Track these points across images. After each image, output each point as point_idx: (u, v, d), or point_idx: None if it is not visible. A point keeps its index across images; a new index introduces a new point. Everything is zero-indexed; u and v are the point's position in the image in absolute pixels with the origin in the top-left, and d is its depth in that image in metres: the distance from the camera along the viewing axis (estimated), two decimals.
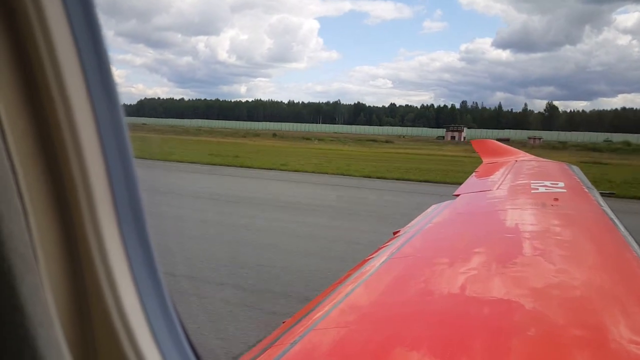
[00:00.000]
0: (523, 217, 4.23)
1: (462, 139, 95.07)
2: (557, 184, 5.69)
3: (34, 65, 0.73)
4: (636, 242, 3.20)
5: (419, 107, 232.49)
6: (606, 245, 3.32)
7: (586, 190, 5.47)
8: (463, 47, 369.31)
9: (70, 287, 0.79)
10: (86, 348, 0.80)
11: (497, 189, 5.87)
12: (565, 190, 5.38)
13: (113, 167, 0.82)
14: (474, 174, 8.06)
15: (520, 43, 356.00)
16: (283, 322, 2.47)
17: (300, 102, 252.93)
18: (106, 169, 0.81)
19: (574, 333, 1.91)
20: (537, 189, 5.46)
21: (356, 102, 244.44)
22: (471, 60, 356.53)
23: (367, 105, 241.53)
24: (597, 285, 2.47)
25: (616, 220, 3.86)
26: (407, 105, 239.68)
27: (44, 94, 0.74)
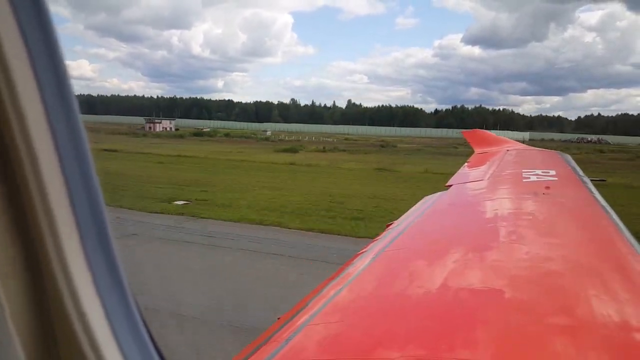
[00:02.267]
0: (515, 206, 4.24)
1: (164, 129, 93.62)
2: (548, 172, 5.72)
3: None
4: (627, 228, 3.22)
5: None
6: (597, 232, 3.33)
7: (577, 178, 5.49)
8: (436, 43, 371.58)
9: (29, 301, 0.76)
10: (48, 355, 0.78)
11: (489, 178, 5.90)
12: (556, 179, 5.41)
13: (69, 167, 0.78)
14: (466, 164, 8.07)
15: (489, 40, 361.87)
16: (278, 318, 2.46)
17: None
18: (62, 169, 0.77)
19: (567, 320, 1.91)
20: (529, 177, 5.49)
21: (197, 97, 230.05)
22: (444, 56, 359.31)
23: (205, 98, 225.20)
24: (589, 273, 2.47)
25: (607, 207, 3.88)
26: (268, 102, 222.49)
27: None
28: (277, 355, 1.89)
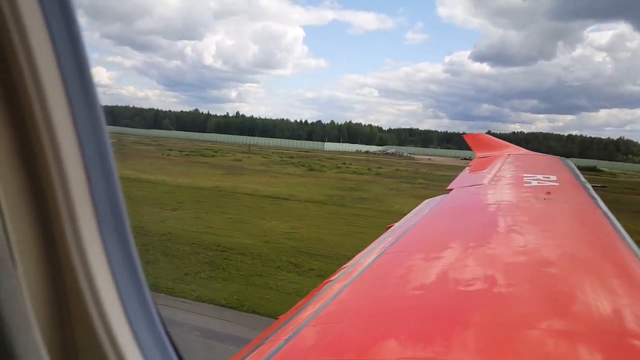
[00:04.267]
0: (516, 211, 4.24)
1: None
2: (549, 178, 5.72)
3: (11, 67, 0.70)
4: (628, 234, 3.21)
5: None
6: (599, 237, 3.33)
7: (578, 183, 5.50)
8: (446, 59, 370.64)
9: (49, 290, 0.77)
10: (67, 351, 0.79)
11: (490, 182, 5.91)
12: (557, 184, 5.42)
13: (92, 169, 0.80)
14: (467, 168, 8.07)
15: (497, 57, 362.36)
16: (277, 318, 2.45)
17: None
18: (85, 172, 0.79)
19: (570, 323, 1.90)
20: (530, 182, 5.50)
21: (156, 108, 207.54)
22: (454, 72, 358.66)
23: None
24: (591, 278, 2.47)
25: (609, 213, 3.87)
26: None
27: (22, 96, 0.72)
28: (276, 355, 1.89)
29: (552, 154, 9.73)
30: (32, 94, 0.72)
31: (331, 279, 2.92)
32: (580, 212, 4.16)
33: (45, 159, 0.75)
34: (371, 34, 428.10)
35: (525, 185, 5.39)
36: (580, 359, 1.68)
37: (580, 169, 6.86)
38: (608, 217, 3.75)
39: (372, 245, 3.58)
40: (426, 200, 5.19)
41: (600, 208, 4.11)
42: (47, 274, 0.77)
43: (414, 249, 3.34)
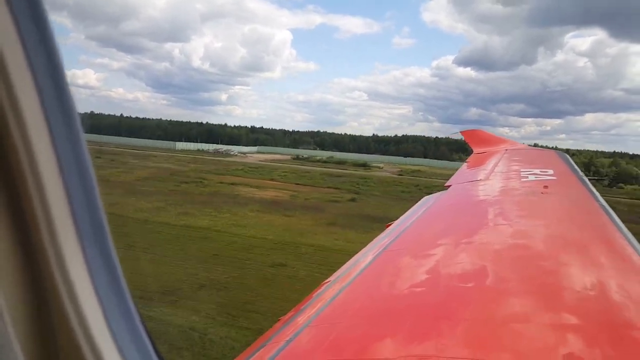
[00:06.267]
0: (513, 206, 4.25)
1: None
2: (546, 172, 5.74)
3: None
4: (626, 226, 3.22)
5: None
6: (597, 230, 3.34)
7: (576, 177, 5.51)
8: (434, 63, 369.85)
9: (29, 304, 0.75)
10: (46, 356, 0.77)
11: (488, 178, 5.92)
12: (554, 178, 5.44)
13: (69, 175, 0.77)
14: (465, 164, 8.09)
15: (480, 62, 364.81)
16: (278, 320, 2.45)
17: None
18: (62, 178, 0.77)
19: (568, 317, 1.91)
20: (527, 177, 5.51)
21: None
22: (442, 76, 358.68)
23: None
24: (590, 271, 2.47)
25: (606, 206, 3.88)
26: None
27: None
28: (278, 356, 1.89)
29: None
30: (5, 103, 0.70)
31: (331, 279, 2.91)
32: (577, 205, 4.17)
33: (21, 167, 0.72)
34: (359, 38, 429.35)
35: (522, 180, 5.41)
36: (585, 348, 1.68)
37: None
38: (605, 209, 3.75)
39: (372, 243, 3.57)
40: (425, 198, 5.20)
41: (598, 200, 4.11)
42: (25, 282, 0.75)
43: (414, 247, 3.34)
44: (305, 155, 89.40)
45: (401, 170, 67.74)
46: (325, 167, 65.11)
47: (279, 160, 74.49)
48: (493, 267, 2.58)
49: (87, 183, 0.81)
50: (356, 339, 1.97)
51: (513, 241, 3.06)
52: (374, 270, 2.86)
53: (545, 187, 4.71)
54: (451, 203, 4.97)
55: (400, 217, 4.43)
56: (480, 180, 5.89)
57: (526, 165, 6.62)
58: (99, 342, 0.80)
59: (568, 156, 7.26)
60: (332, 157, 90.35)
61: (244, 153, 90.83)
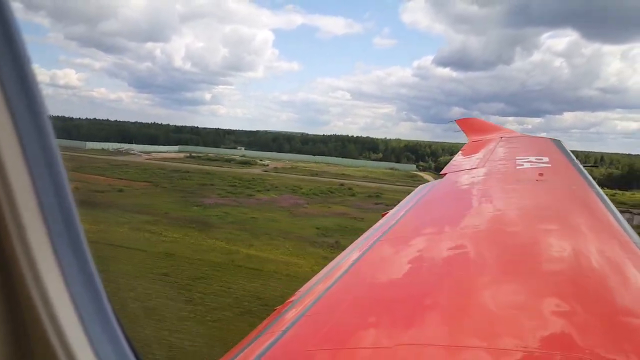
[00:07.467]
0: (509, 193, 4.27)
1: None
2: (541, 159, 5.78)
3: None
4: (620, 212, 3.29)
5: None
6: (592, 217, 3.36)
7: (570, 164, 5.53)
8: (415, 63, 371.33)
9: (0, 306, 0.73)
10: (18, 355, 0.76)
11: (483, 166, 5.93)
12: (549, 165, 5.46)
13: (38, 176, 0.75)
14: (460, 152, 8.03)
15: (458, 62, 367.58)
16: (274, 309, 2.45)
17: None
18: (31, 178, 0.74)
19: (563, 303, 1.93)
20: (522, 164, 5.54)
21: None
22: (423, 76, 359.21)
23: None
24: (585, 257, 2.50)
25: (600, 192, 3.91)
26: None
27: None
28: (276, 345, 1.89)
29: None
30: None
31: (327, 269, 2.91)
32: (572, 192, 4.15)
33: None
34: (340, 38, 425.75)
35: (518, 167, 5.43)
36: (580, 333, 1.71)
37: None
38: (600, 196, 3.77)
39: (367, 233, 3.56)
40: (420, 186, 5.19)
41: (593, 187, 4.12)
42: None
43: (410, 237, 3.33)
44: (195, 154, 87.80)
45: (276, 167, 66.16)
46: (189, 164, 63.57)
47: (166, 159, 72.48)
48: (489, 255, 2.59)
49: (58, 183, 0.78)
50: (353, 327, 1.97)
51: (508, 229, 3.06)
52: (369, 259, 2.85)
53: (540, 174, 4.71)
54: (447, 191, 4.95)
55: (397, 206, 4.42)
56: (476, 168, 5.90)
57: (521, 152, 6.63)
58: (73, 343, 0.78)
59: (562, 143, 7.19)
60: (244, 155, 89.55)
61: (148, 152, 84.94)
